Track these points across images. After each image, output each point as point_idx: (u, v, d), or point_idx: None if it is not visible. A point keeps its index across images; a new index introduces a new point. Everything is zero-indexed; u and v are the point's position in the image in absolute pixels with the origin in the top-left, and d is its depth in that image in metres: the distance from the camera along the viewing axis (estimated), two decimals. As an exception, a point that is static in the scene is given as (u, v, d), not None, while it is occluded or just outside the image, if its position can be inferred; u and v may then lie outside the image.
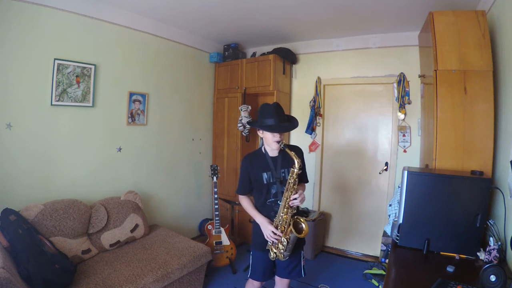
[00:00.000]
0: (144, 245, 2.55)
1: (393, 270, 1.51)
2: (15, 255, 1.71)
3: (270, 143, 1.79)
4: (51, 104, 2.38)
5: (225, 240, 3.05)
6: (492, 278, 1.21)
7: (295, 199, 1.70)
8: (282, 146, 1.75)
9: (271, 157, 1.87)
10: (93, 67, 2.62)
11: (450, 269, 1.43)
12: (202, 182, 3.94)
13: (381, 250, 3.17)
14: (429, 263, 1.55)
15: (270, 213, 1.84)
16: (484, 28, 1.87)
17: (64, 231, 2.18)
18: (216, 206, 3.04)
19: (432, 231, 1.62)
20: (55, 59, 2.37)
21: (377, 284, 2.81)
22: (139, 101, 3.06)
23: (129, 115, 2.98)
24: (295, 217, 1.75)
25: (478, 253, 1.55)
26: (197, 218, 3.89)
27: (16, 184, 2.23)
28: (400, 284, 1.38)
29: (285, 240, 1.74)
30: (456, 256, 1.58)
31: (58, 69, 2.39)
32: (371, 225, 3.47)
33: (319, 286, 2.81)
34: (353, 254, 3.56)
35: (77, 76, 2.51)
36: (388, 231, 2.42)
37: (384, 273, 2.86)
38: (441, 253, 1.63)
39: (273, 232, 1.74)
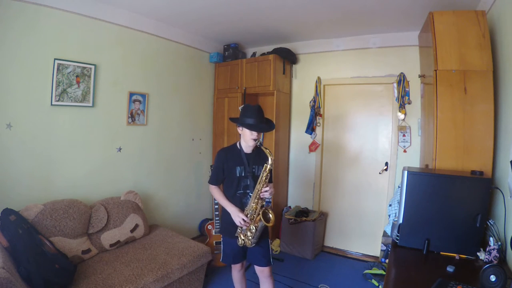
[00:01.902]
0: (144, 245, 2.55)
1: (393, 270, 1.51)
2: (15, 255, 1.71)
3: (247, 140, 1.96)
4: (51, 104, 2.38)
5: (225, 240, 3.05)
6: (492, 278, 1.21)
7: (266, 191, 1.91)
8: (258, 144, 1.94)
9: (246, 153, 2.03)
10: (93, 67, 2.62)
11: (450, 269, 1.43)
12: (202, 182, 3.94)
13: (381, 250, 3.17)
14: (429, 263, 1.55)
15: (238, 203, 2.01)
16: (484, 28, 1.87)
17: (64, 231, 2.18)
18: (216, 206, 3.04)
19: (432, 231, 1.62)
20: (55, 59, 2.37)
21: (377, 284, 2.81)
22: (139, 101, 3.06)
23: (129, 115, 2.98)
24: (264, 207, 1.93)
25: (478, 253, 1.55)
26: (197, 218, 3.89)
27: (16, 184, 2.23)
28: (400, 284, 1.38)
29: (254, 227, 1.92)
30: (456, 256, 1.58)
31: (58, 69, 2.39)
32: (371, 225, 3.47)
33: (319, 286, 2.81)
34: (353, 254, 3.56)
35: (77, 76, 2.51)
36: (388, 231, 2.42)
37: (384, 273, 2.86)
38: (441, 253, 1.63)
39: (243, 219, 1.91)
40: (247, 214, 1.94)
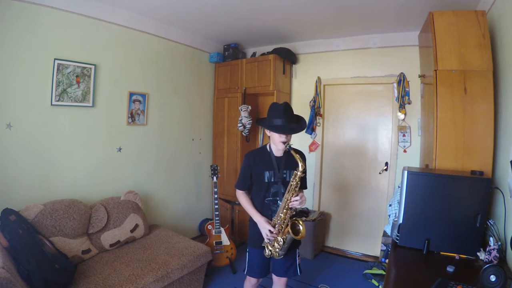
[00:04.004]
0: (144, 245, 2.55)
1: (393, 270, 1.51)
2: (15, 255, 1.71)
3: (276, 143, 1.81)
4: (51, 104, 2.38)
5: (225, 240, 3.05)
6: (492, 278, 1.21)
7: (296, 200, 1.73)
8: (288, 147, 1.77)
9: (276, 157, 1.87)
10: (93, 67, 2.61)
11: (450, 269, 1.43)
12: (202, 182, 3.94)
13: (381, 250, 3.17)
14: (429, 263, 1.55)
15: (267, 212, 1.87)
16: (484, 28, 1.87)
17: (64, 231, 2.18)
18: (216, 206, 3.04)
19: (432, 231, 1.62)
20: (55, 59, 2.37)
21: (377, 284, 2.81)
22: (139, 101, 3.06)
23: (129, 115, 2.98)
24: (294, 218, 1.77)
25: (478, 253, 1.55)
26: (197, 218, 3.89)
27: (16, 184, 2.23)
28: (400, 284, 1.38)
29: (282, 239, 1.77)
30: (456, 256, 1.58)
31: (58, 69, 2.39)
32: (371, 225, 3.47)
33: (319, 286, 2.81)
34: (353, 254, 3.56)
35: (77, 76, 2.51)
36: (388, 231, 2.42)
37: (384, 273, 2.86)
38: (441, 253, 1.63)
39: (270, 231, 1.77)
40: (275, 225, 1.79)
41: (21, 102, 2.23)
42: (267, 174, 1.84)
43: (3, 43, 2.12)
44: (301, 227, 1.73)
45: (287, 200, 1.74)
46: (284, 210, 1.76)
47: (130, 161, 3.03)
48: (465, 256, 1.58)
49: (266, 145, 1.95)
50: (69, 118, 2.51)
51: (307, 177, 3.70)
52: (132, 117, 3.01)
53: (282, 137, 1.77)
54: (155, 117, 3.25)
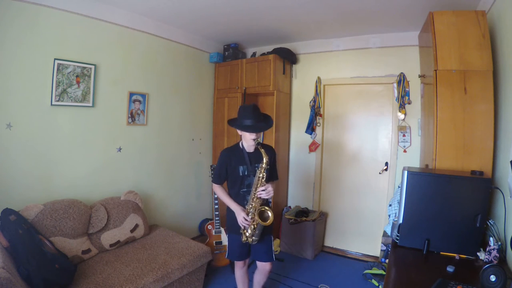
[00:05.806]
0: (144, 245, 2.55)
1: (393, 270, 1.51)
2: (15, 255, 1.71)
3: (247, 140, 2.03)
4: (51, 104, 2.38)
5: (225, 240, 3.05)
6: (492, 278, 1.21)
7: (263, 191, 1.96)
8: (256, 143, 2.00)
9: (248, 153, 2.09)
10: (93, 67, 2.61)
11: (450, 269, 1.43)
12: (202, 182, 3.94)
13: (381, 250, 3.17)
14: (429, 263, 1.55)
15: (242, 202, 2.09)
16: (484, 28, 1.87)
17: (64, 231, 2.18)
18: (216, 206, 3.04)
19: (432, 231, 1.62)
20: (55, 59, 2.37)
21: (377, 284, 2.81)
22: (139, 101, 3.06)
23: (129, 115, 2.98)
24: (262, 207, 2.00)
25: (478, 253, 1.55)
26: (197, 218, 3.89)
27: (16, 184, 2.23)
28: (400, 284, 1.38)
29: (253, 226, 2.00)
30: (456, 256, 1.58)
31: (58, 69, 2.39)
32: (371, 225, 3.47)
33: (319, 286, 2.81)
34: (353, 254, 3.56)
35: (77, 76, 2.51)
36: (388, 231, 2.42)
37: (384, 273, 2.86)
38: (441, 253, 1.63)
39: (244, 218, 1.99)
40: (249, 213, 2.00)
41: (21, 102, 2.23)
42: (241, 168, 2.06)
43: (3, 43, 2.12)
44: (269, 214, 1.97)
45: (255, 190, 1.98)
46: (255, 199, 1.99)
47: (130, 161, 3.03)
48: (465, 256, 1.58)
49: (239, 142, 2.16)
50: (69, 118, 2.52)
51: (309, 171, 3.79)
52: (132, 117, 3.01)
53: (252, 135, 1.97)
54: (155, 117, 3.25)
